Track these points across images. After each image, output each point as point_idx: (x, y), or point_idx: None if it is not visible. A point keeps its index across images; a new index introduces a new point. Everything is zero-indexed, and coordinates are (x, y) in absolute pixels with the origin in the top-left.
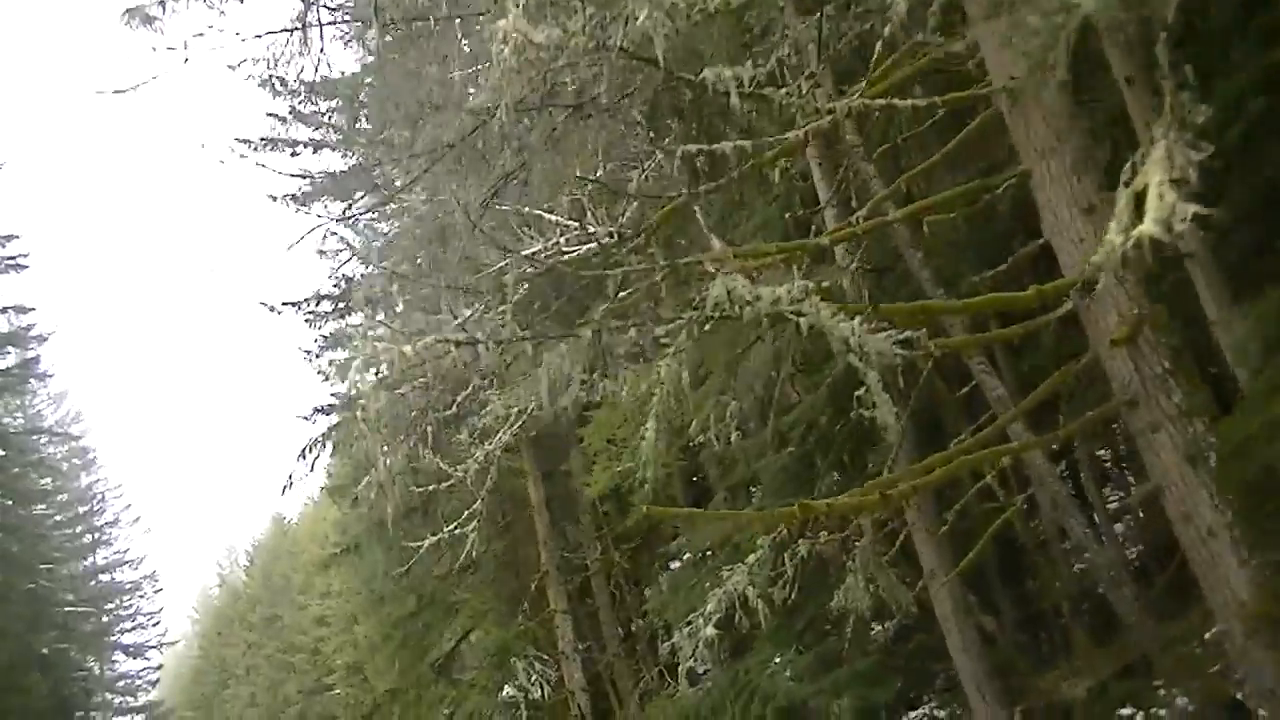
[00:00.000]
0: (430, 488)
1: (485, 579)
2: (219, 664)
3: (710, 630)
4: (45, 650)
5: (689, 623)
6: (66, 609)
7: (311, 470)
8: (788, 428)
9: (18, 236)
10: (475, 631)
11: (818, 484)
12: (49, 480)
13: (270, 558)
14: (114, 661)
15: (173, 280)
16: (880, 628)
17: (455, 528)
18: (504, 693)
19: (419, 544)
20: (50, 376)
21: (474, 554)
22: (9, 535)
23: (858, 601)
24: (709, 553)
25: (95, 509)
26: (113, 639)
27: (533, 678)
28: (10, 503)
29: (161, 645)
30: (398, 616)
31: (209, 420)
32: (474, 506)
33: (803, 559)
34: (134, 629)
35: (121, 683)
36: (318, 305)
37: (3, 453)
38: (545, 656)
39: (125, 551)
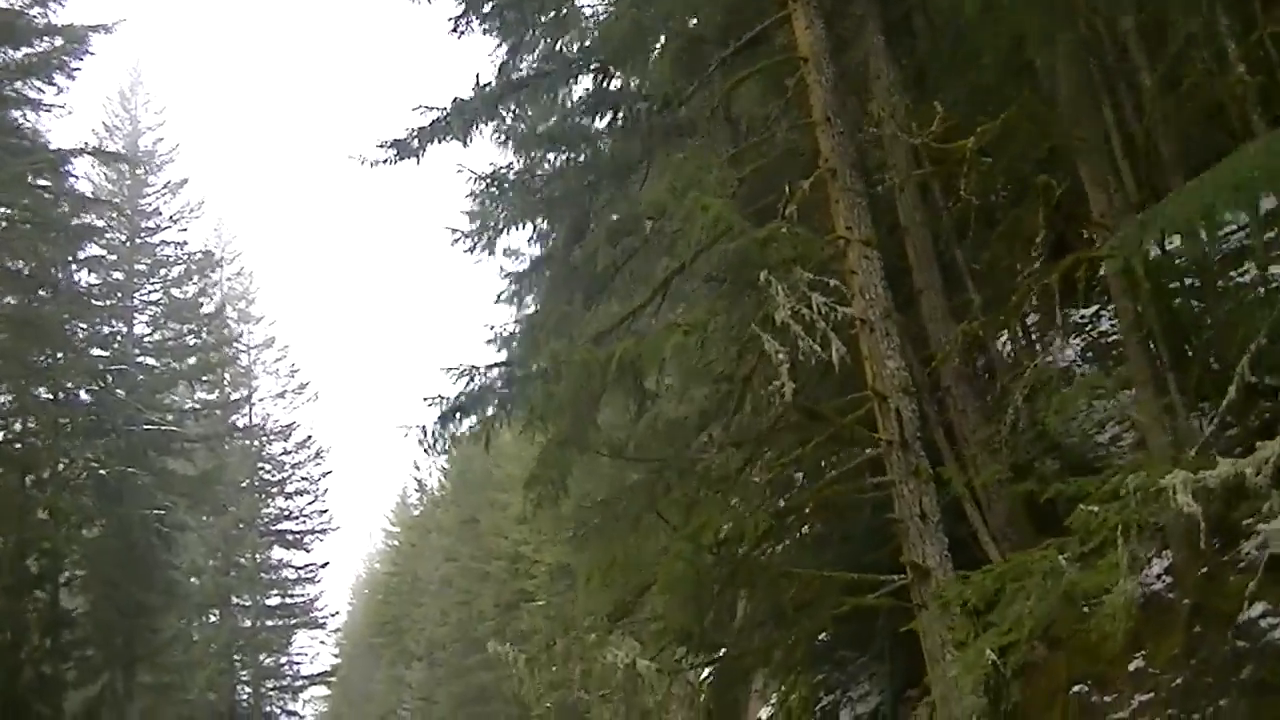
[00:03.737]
0: None
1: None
2: (410, 579)
3: None
4: (104, 471)
5: None
6: (146, 428)
7: None
8: None
9: None
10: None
11: None
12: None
13: (470, 449)
14: (272, 558)
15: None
16: None
17: None
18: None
19: None
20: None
21: None
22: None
23: None
24: None
25: (211, 331)
26: (265, 527)
27: (809, 319)
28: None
29: (324, 532)
30: None
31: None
32: None
33: None
34: (290, 517)
35: (271, 573)
36: None
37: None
38: (835, 283)
39: (291, 426)
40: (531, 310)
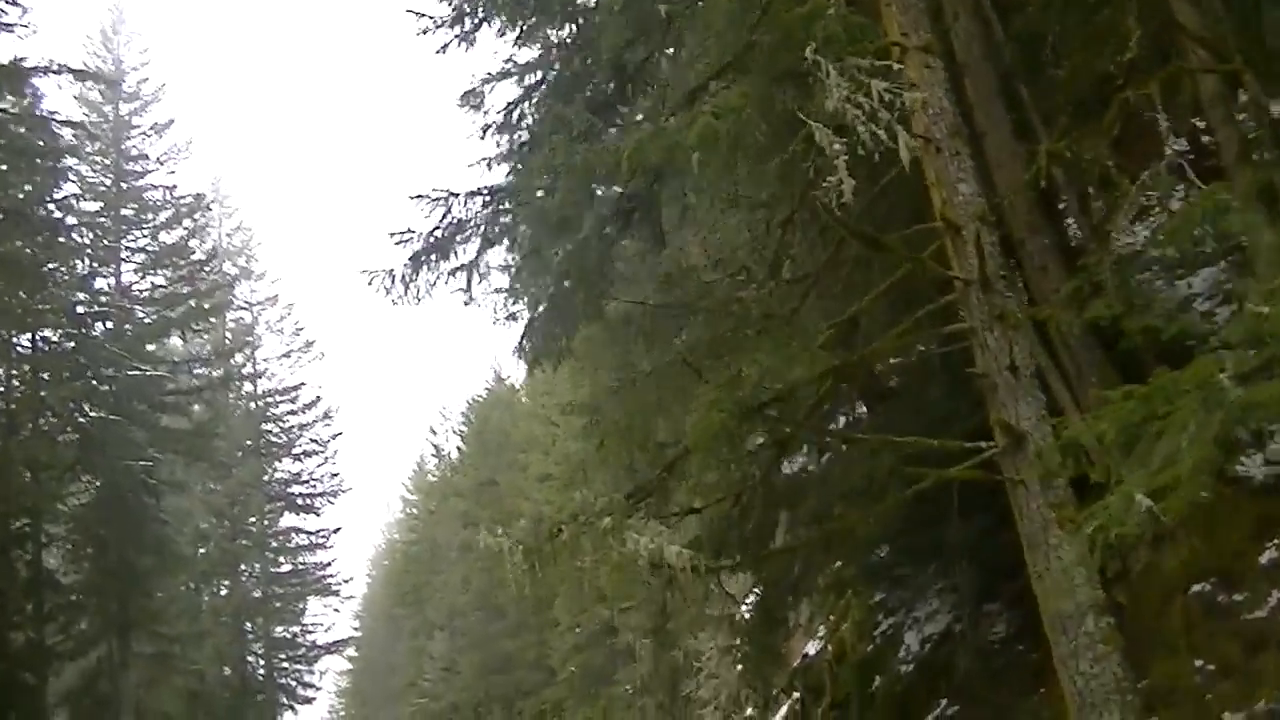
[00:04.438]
0: None
1: None
2: (430, 547)
3: None
4: (83, 420)
5: None
6: (131, 374)
7: None
8: None
9: None
10: None
11: None
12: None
13: (487, 410)
14: (281, 523)
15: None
16: None
17: None
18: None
19: None
20: None
21: None
22: None
23: None
24: None
25: (203, 278)
26: (273, 491)
27: (869, 109)
28: None
29: (335, 495)
30: None
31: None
32: None
33: None
34: (300, 480)
35: (282, 540)
36: None
37: None
38: (899, 66)
39: (298, 387)
40: (525, 130)
